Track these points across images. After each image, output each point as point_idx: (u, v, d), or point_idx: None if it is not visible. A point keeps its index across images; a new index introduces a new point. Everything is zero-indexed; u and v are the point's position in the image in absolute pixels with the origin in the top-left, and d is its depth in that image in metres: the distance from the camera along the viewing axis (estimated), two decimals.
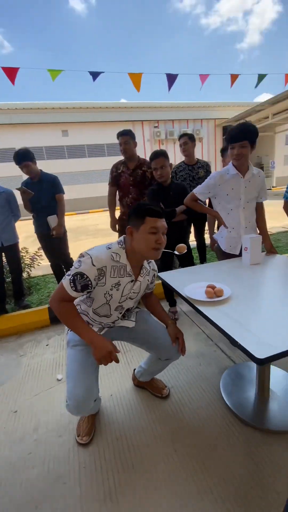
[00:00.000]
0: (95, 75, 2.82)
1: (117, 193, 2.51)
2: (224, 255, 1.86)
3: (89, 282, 1.04)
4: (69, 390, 1.12)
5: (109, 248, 1.10)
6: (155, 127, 15.78)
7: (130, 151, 2.35)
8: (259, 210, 1.85)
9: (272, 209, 3.70)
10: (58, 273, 2.81)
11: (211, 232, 2.19)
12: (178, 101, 15.80)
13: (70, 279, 1.03)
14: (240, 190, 1.71)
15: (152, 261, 1.30)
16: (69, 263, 2.62)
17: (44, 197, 2.40)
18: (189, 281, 1.39)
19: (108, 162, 16.36)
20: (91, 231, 7.39)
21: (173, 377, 1.65)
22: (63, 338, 2.21)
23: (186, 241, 2.25)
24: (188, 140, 2.50)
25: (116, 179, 2.44)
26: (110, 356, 1.04)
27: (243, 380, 1.55)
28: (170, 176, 2.12)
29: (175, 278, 1.51)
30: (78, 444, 1.27)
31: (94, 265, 1.02)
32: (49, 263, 2.78)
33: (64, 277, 1.06)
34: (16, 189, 2.27)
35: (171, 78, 3.08)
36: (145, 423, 1.35)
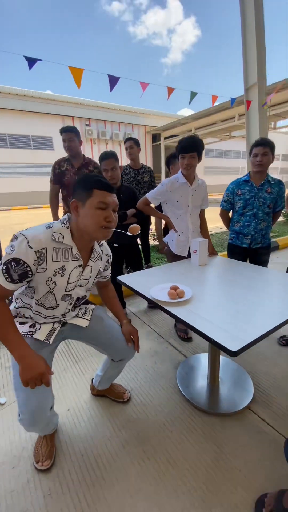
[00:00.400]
0: (31, 62, 2.56)
1: (61, 191, 2.35)
2: (174, 257, 1.98)
3: (28, 269, 0.88)
4: (20, 402, 0.98)
5: (50, 227, 0.93)
6: (86, 125, 15.39)
7: (76, 149, 2.24)
8: (201, 216, 2.05)
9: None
10: None
11: (160, 235, 2.29)
12: (110, 102, 15.82)
13: (2, 268, 0.86)
14: (188, 197, 1.85)
15: (105, 244, 1.19)
16: None
17: None
18: (148, 283, 1.43)
19: (36, 155, 15.01)
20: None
21: (132, 379, 1.65)
22: (5, 353, 1.93)
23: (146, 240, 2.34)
24: (133, 144, 2.55)
25: (60, 176, 2.28)
26: (40, 379, 0.89)
27: (195, 371, 1.68)
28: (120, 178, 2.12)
29: (134, 280, 1.52)
30: (38, 471, 1.13)
31: (31, 247, 0.86)
32: None
33: None
34: None
35: (113, 80, 3.07)
36: (109, 432, 1.31)
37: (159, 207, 2.06)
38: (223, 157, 20.47)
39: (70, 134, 2.19)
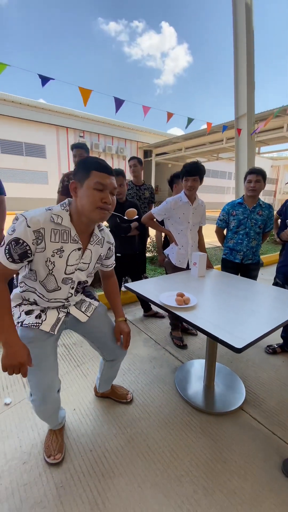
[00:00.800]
0: (45, 80, 2.73)
1: None
2: (174, 268, 2.14)
3: (28, 248, 0.91)
4: (32, 385, 1.09)
5: (49, 209, 0.96)
6: (80, 136, 15.69)
7: None
8: (199, 233, 2.24)
9: None
10: None
11: (160, 248, 2.46)
12: (105, 116, 16.29)
13: (5, 248, 0.90)
14: (189, 215, 2.04)
15: (107, 231, 1.20)
16: None
17: None
18: (155, 291, 1.57)
19: (27, 162, 14.98)
20: None
21: (133, 382, 1.75)
22: None
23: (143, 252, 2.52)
24: (137, 163, 2.74)
25: (68, 188, 2.41)
26: (18, 368, 0.93)
27: (192, 375, 1.81)
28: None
29: (141, 288, 1.66)
30: (50, 465, 1.20)
31: (29, 227, 0.89)
32: None
33: None
34: None
35: (118, 102, 3.30)
36: (115, 429, 1.40)
37: (161, 222, 2.23)
38: (210, 176, 21.39)
39: (80, 150, 2.35)
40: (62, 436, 1.30)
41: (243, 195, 2.15)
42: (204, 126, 4.44)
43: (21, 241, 0.89)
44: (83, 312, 1.21)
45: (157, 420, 1.46)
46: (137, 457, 1.25)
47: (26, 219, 0.90)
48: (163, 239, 2.52)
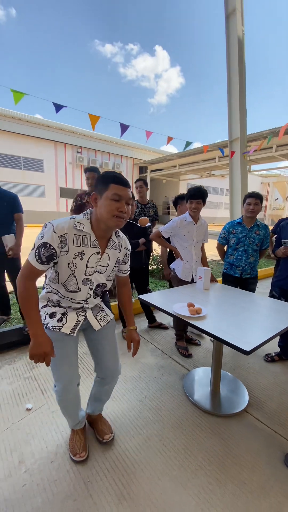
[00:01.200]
0: (58, 107, 2.98)
1: None
2: (179, 281, 2.32)
3: (54, 251, 1.03)
4: (56, 378, 1.23)
5: (73, 218, 1.08)
6: (78, 152, 16.12)
7: None
8: (202, 249, 2.44)
9: None
10: (0, 298, 2.58)
11: (165, 263, 2.64)
12: (102, 133, 16.82)
13: (35, 252, 1.02)
14: (193, 233, 2.25)
15: (124, 237, 1.29)
16: None
17: (1, 214, 2.28)
18: (168, 302, 1.74)
19: (25, 175, 15.21)
20: None
21: (144, 388, 1.88)
22: (16, 367, 2.06)
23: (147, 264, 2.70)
24: (143, 184, 2.96)
25: (80, 207, 2.60)
26: (43, 357, 1.07)
27: (198, 382, 1.95)
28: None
29: (153, 299, 1.82)
30: (76, 462, 1.31)
31: (55, 232, 1.02)
32: None
33: (29, 253, 1.05)
34: None
35: (124, 127, 3.58)
36: (132, 431, 1.51)
37: (167, 239, 2.43)
38: None
39: (93, 173, 2.56)
40: (85, 435, 1.41)
41: (242, 215, 2.38)
42: (197, 145, 4.79)
43: (48, 245, 1.02)
44: (97, 321, 1.30)
45: (170, 422, 1.58)
46: (155, 455, 1.37)
47: (53, 226, 1.03)
48: (167, 254, 2.71)
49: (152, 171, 18.18)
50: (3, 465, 1.29)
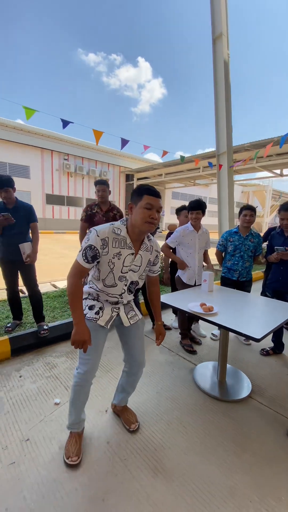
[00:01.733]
0: (66, 123, 3.16)
1: (89, 229, 2.82)
2: (183, 285, 2.56)
3: (97, 252, 1.22)
4: (80, 363, 1.38)
5: (112, 224, 1.27)
6: (65, 159, 16.18)
7: (106, 197, 2.79)
8: (205, 254, 2.70)
9: None
10: (14, 303, 2.68)
11: (167, 268, 2.88)
12: (89, 141, 17.00)
13: (82, 253, 1.23)
14: (195, 241, 2.51)
15: (155, 241, 1.45)
16: (36, 291, 2.60)
17: (18, 224, 2.41)
18: (181, 302, 1.96)
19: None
20: None
21: (159, 381, 2.07)
22: (36, 368, 2.18)
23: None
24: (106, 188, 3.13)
25: (91, 218, 2.78)
26: (82, 344, 1.26)
27: (205, 374, 2.17)
28: None
29: (168, 299, 2.03)
30: (68, 465, 1.35)
31: (98, 236, 1.21)
32: (7, 291, 2.63)
33: (77, 255, 1.25)
34: (2, 214, 2.21)
35: (124, 142, 3.82)
36: (155, 417, 1.70)
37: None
38: (187, 200, 22.80)
39: (103, 186, 2.75)
40: (81, 441, 1.45)
41: (238, 225, 2.68)
42: (180, 155, 5.18)
43: (93, 246, 1.22)
44: (128, 319, 1.47)
45: (186, 408, 1.79)
46: (178, 435, 1.56)
47: (96, 231, 1.23)
48: (169, 262, 2.95)
49: (138, 179, 18.56)
50: (45, 451, 1.43)
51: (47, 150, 15.50)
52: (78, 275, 1.26)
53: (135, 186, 19.28)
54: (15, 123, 14.22)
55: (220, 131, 5.73)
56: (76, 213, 17.27)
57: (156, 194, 1.23)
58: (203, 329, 3.06)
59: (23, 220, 2.45)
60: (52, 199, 16.14)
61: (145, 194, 1.22)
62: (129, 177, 19.35)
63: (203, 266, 2.71)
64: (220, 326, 1.61)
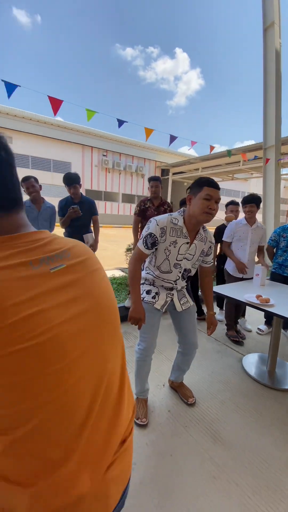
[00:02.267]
0: (121, 123, 3.38)
1: (141, 222, 3.03)
2: (229, 277, 2.66)
3: (156, 239, 1.37)
4: (140, 340, 1.57)
5: (171, 215, 1.40)
6: (103, 155, 16.71)
7: (159, 193, 2.96)
8: (260, 250, 2.73)
9: None
10: None
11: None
12: (126, 137, 17.33)
13: (143, 240, 1.38)
14: (248, 235, 2.57)
15: (210, 232, 1.53)
16: None
17: (83, 216, 2.70)
18: (237, 293, 2.06)
19: (55, 177, 15.88)
20: None
21: (209, 365, 2.21)
22: None
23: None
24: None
25: (143, 212, 2.98)
26: (137, 321, 1.39)
27: (254, 364, 2.26)
28: None
29: (224, 291, 2.15)
30: (138, 425, 1.65)
31: (158, 225, 1.36)
32: None
33: (138, 242, 1.42)
34: (72, 207, 2.51)
35: (172, 138, 3.94)
36: (209, 395, 1.85)
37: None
38: (224, 195, 22.12)
39: (156, 182, 2.92)
40: (147, 406, 1.67)
41: None
42: (226, 150, 5.10)
43: (152, 234, 1.38)
44: (180, 304, 1.60)
45: (238, 391, 1.92)
46: (232, 413, 1.71)
47: (156, 221, 1.38)
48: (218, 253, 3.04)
49: (174, 174, 18.47)
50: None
51: (87, 147, 16.15)
52: (138, 260, 1.43)
53: (170, 181, 19.06)
54: (58, 121, 15.02)
55: (269, 124, 5.54)
56: (113, 208, 17.82)
57: (216, 186, 1.30)
58: (249, 323, 3.11)
59: (87, 213, 2.73)
60: (91, 194, 16.84)
61: (205, 185, 1.29)
62: (164, 172, 19.33)
63: (255, 261, 2.75)
64: (276, 316, 1.70)
